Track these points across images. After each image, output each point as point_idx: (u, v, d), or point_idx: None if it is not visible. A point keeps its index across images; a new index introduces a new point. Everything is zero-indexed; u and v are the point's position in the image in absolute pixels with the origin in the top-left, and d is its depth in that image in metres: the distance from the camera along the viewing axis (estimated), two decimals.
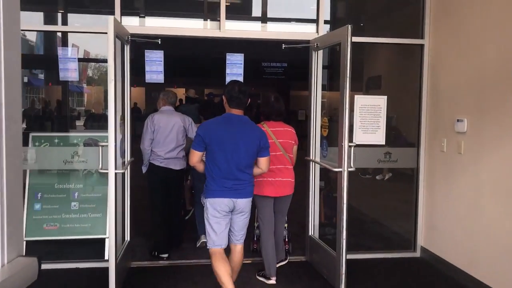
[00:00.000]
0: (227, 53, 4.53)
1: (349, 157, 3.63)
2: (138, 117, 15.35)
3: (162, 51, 4.39)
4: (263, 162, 3.28)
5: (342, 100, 3.57)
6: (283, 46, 4.32)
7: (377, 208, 6.25)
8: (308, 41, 4.38)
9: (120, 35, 3.67)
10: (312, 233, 4.51)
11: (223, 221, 3.22)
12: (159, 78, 4.41)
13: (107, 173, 3.30)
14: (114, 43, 3.27)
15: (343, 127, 3.59)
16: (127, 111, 4.06)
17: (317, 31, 4.46)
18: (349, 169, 3.64)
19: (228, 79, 4.43)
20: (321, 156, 4.41)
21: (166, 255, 4.50)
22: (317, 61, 4.35)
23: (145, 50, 4.36)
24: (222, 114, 3.31)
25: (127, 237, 4.13)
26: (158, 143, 4.41)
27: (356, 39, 3.48)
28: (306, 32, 4.57)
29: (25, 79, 18.61)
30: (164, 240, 4.55)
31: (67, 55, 4.42)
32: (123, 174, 3.96)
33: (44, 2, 5.28)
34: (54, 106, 10.65)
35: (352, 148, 3.67)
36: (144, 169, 4.57)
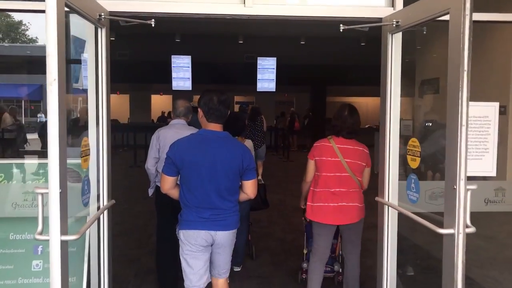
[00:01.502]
0: (258, 57, 3.52)
1: (465, 209, 2.09)
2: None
3: (190, 56, 3.49)
4: (248, 186, 2.80)
5: (455, 110, 2.04)
6: (341, 28, 2.82)
7: None
8: (379, 19, 2.85)
9: (84, 11, 2.29)
10: None
11: (203, 256, 2.77)
12: (186, 85, 3.64)
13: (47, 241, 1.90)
14: (56, 18, 1.87)
15: (458, 156, 2.05)
16: (103, 129, 2.66)
17: (393, 5, 2.93)
18: (468, 230, 2.10)
19: (259, 85, 3.52)
20: (406, 198, 2.85)
21: None
22: (394, 48, 2.81)
23: (172, 56, 3.54)
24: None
25: None
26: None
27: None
28: (375, 6, 3.01)
29: None
30: (167, 273, 3.96)
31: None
32: (102, 221, 2.58)
33: None
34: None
35: (469, 192, 2.13)
36: (150, 192, 4.01)
